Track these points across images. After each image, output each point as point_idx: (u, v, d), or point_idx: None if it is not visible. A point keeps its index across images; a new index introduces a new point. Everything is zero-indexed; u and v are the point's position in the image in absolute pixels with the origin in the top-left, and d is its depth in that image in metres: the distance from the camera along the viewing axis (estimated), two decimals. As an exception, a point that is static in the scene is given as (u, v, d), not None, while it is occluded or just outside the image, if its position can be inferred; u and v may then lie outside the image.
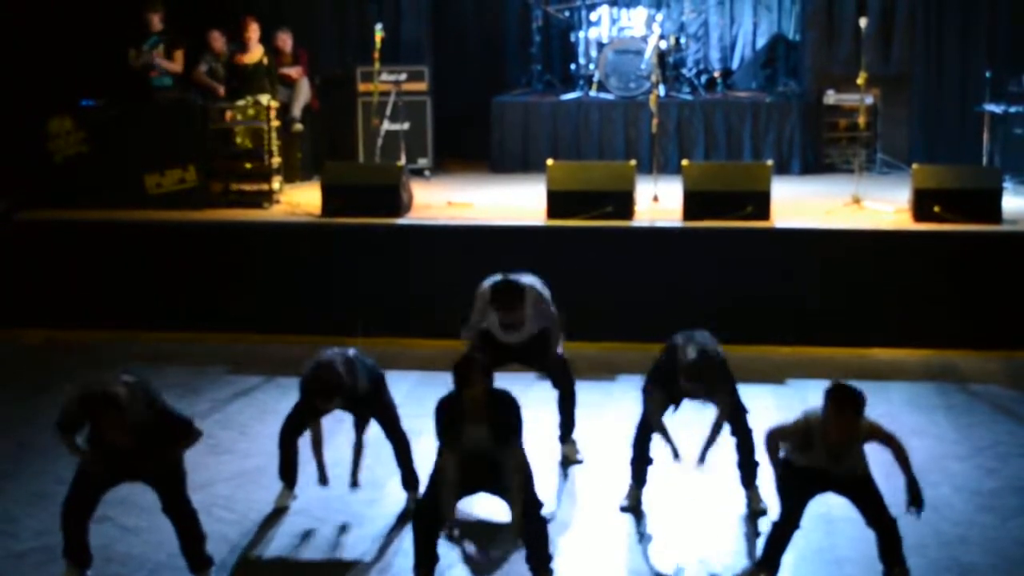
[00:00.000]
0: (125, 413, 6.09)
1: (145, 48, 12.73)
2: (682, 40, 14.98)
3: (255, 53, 12.90)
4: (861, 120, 12.53)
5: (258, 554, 7.06)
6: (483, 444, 6.41)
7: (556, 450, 8.31)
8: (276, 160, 12.33)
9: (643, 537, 7.22)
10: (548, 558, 6.57)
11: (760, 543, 6.84)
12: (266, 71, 12.87)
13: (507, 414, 6.43)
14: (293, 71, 13.51)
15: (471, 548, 7.01)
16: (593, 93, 14.42)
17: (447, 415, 6.47)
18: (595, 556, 7.00)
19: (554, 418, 8.33)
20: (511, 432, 6.44)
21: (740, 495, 7.53)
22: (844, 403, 6.16)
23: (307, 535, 7.27)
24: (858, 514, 7.35)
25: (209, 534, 6.97)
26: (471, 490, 6.67)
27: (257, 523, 7.42)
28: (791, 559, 6.86)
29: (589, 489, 7.88)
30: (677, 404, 7.32)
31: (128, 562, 6.91)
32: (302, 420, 7.32)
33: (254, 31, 12.86)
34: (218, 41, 13.03)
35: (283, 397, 7.86)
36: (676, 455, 7.28)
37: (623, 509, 7.48)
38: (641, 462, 7.51)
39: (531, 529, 6.51)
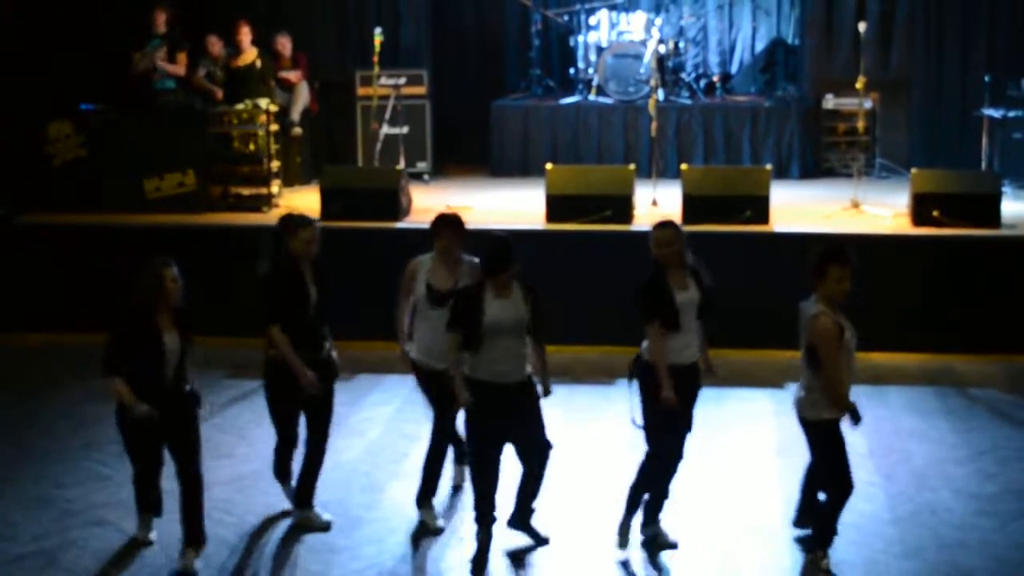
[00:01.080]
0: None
1: (147, 50, 12.74)
2: (681, 44, 14.99)
3: (248, 55, 12.91)
4: (860, 124, 12.54)
5: (256, 557, 7.05)
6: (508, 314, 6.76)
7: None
8: (275, 164, 12.33)
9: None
10: (531, 510, 7.00)
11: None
12: (260, 74, 12.86)
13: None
14: (292, 75, 13.53)
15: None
16: (592, 97, 14.43)
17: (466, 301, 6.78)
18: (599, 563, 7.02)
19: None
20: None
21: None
22: (841, 253, 6.50)
23: (305, 538, 7.26)
24: (858, 517, 7.39)
25: (208, 537, 6.97)
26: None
27: (255, 526, 7.42)
28: (789, 562, 6.87)
29: (589, 495, 7.88)
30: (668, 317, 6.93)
31: (129, 565, 6.91)
32: None
33: (246, 34, 12.87)
34: (215, 45, 13.05)
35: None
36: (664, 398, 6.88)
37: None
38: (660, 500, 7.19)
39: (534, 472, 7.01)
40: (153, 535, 7.14)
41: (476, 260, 7.21)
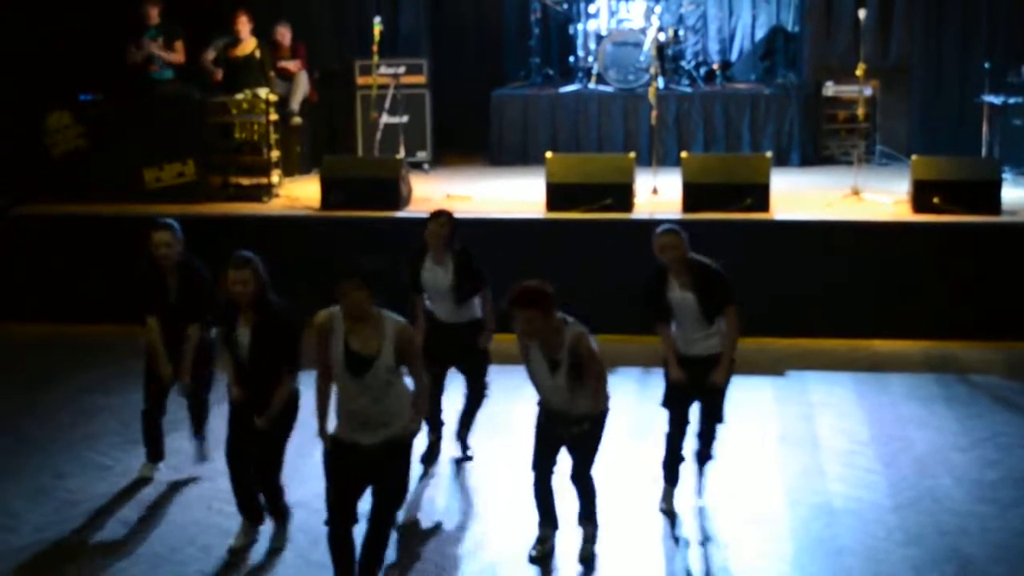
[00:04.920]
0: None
1: (143, 42, 12.70)
2: (681, 32, 14.97)
3: (247, 45, 12.87)
4: (860, 111, 12.52)
5: (257, 548, 7.04)
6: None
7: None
8: (275, 154, 12.32)
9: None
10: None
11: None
12: (259, 64, 12.83)
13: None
14: (292, 64, 13.51)
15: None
16: (592, 85, 14.41)
17: None
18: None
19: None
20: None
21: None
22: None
23: (304, 528, 7.24)
24: (859, 504, 7.40)
25: (208, 527, 6.98)
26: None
27: (257, 516, 7.42)
28: (791, 549, 6.87)
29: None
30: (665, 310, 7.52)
31: (126, 556, 6.91)
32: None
33: (244, 24, 12.81)
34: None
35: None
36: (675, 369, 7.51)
37: (662, 511, 7.39)
38: (673, 462, 7.43)
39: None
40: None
41: (399, 318, 6.30)
